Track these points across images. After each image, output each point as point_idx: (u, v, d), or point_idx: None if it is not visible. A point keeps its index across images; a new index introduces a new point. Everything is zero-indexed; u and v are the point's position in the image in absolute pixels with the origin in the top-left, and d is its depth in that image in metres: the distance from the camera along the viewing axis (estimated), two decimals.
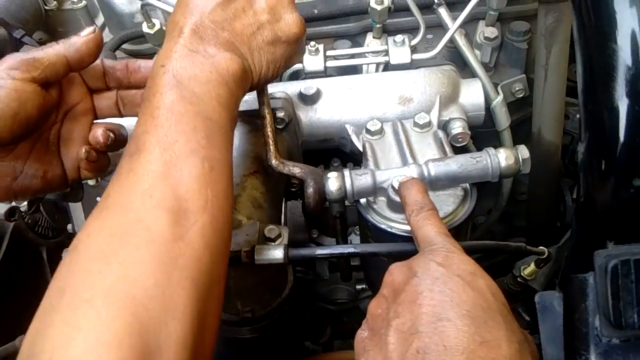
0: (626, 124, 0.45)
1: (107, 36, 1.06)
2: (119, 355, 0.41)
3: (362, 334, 0.57)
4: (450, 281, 0.51)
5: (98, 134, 0.68)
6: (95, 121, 0.71)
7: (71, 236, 1.26)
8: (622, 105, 0.45)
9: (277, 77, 0.67)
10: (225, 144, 0.56)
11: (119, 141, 0.70)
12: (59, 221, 1.33)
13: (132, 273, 0.45)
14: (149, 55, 1.10)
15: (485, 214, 1.16)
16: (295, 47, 0.66)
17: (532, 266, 0.87)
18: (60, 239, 1.35)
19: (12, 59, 0.61)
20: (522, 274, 0.89)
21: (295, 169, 0.73)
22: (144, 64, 0.70)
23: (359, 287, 1.07)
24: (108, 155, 0.72)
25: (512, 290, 0.95)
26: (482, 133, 0.98)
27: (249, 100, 0.75)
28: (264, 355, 0.85)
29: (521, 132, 1.03)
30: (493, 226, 1.18)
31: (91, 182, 1.02)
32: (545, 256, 0.77)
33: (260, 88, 0.71)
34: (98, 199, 1.13)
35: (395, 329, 0.50)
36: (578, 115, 1.00)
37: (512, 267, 0.93)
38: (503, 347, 0.46)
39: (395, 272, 0.57)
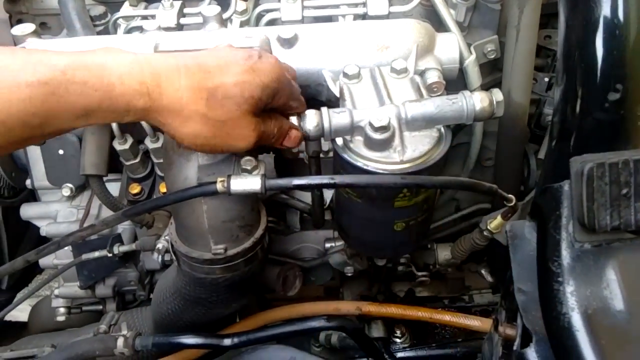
0: (603, 39, 0.46)
1: None
2: None
3: None
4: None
5: None
6: None
7: (31, 192, 1.21)
8: (600, 21, 0.46)
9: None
10: None
11: None
12: (16, 180, 1.28)
13: None
14: (119, 2, 1.06)
15: None
16: None
17: (499, 219, 0.89)
18: (17, 198, 1.30)
19: None
20: (488, 227, 0.91)
21: None
22: None
23: (327, 245, 1.07)
24: None
25: (479, 246, 0.98)
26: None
27: None
28: (232, 299, 0.84)
29: None
30: (458, 193, 1.21)
31: None
32: (512, 204, 0.79)
33: None
34: (61, 151, 1.10)
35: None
36: (546, 79, 1.03)
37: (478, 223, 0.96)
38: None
39: None
